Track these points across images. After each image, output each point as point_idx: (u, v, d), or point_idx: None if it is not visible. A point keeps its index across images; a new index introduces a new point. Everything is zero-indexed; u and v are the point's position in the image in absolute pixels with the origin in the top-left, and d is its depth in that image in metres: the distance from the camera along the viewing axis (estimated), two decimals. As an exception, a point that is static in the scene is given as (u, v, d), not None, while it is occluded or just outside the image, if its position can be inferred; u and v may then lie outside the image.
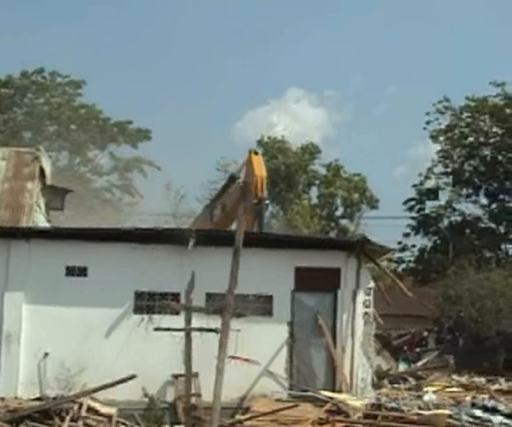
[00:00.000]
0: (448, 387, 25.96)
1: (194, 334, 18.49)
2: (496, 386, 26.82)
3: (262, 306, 22.54)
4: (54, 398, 19.89)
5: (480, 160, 50.22)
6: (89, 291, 21.98)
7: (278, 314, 22.60)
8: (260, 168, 26.61)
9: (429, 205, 50.96)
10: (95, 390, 19.79)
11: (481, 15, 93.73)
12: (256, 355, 21.72)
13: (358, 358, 22.71)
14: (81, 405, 19.19)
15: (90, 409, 19.30)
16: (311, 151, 54.67)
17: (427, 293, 41.56)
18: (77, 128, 63.47)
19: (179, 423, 20.22)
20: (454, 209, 50.81)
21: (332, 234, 51.84)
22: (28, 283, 21.77)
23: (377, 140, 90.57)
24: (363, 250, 23.13)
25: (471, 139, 50.36)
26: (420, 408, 20.00)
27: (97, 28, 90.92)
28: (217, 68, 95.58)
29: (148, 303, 22.15)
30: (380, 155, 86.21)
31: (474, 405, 20.87)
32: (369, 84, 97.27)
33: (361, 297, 22.96)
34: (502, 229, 49.40)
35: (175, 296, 21.63)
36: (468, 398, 22.53)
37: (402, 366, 33.69)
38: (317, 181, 54.62)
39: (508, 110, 48.82)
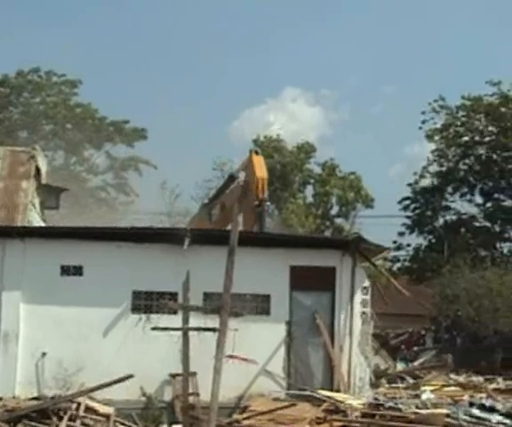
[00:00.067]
0: (446, 386, 25.99)
1: (191, 333, 18.45)
2: (494, 385, 26.88)
3: (260, 305, 22.52)
4: (52, 398, 19.83)
5: (475, 159, 50.34)
6: (84, 290, 21.92)
7: (276, 313, 22.58)
8: (261, 169, 26.58)
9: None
10: (93, 390, 19.74)
11: (477, 15, 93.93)
12: (254, 354, 21.71)
13: (356, 358, 22.71)
14: (79, 404, 19.13)
15: (88, 409, 19.25)
16: (307, 150, 54.72)
17: (422, 291, 41.61)
18: (73, 127, 63.46)
19: (176, 423, 20.17)
20: (449, 208, 50.91)
21: (327, 233, 51.88)
22: (23, 282, 21.72)
23: (373, 139, 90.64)
24: (358, 249, 23.12)
25: (466, 138, 50.46)
26: (417, 407, 20.03)
27: (93, 27, 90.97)
28: (213, 68, 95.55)
29: (145, 303, 22.13)
30: (376, 154, 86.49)
31: (471, 404, 20.89)
32: (365, 84, 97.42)
33: (358, 296, 22.95)
34: (497, 228, 49.53)
35: (173, 296, 21.59)
36: (466, 398, 22.59)
37: (400, 366, 33.72)
38: (312, 180, 54.64)
39: (503, 109, 48.87)
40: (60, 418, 18.59)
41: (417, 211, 51.11)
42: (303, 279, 22.81)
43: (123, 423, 19.80)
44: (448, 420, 18.56)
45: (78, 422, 18.72)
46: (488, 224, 49.74)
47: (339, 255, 23.03)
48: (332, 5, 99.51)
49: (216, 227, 29.08)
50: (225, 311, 16.52)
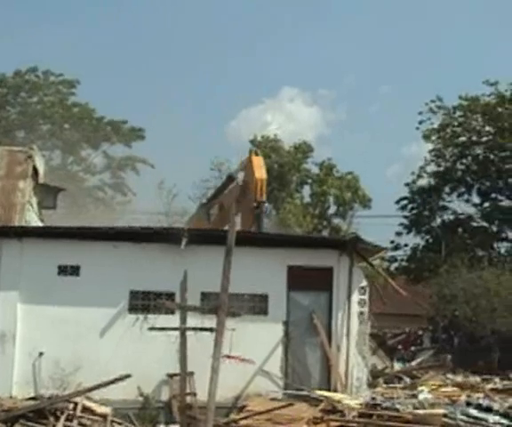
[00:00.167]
0: (443, 386, 25.98)
1: (189, 333, 18.50)
2: (491, 385, 26.86)
3: (257, 305, 22.53)
4: (49, 398, 19.78)
5: (472, 159, 50.29)
6: (82, 290, 21.92)
7: (273, 313, 22.59)
8: (261, 170, 26.53)
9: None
10: (90, 390, 19.70)
11: (474, 15, 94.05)
12: (251, 354, 21.72)
13: (353, 358, 22.71)
14: (76, 404, 19.09)
15: (85, 409, 19.22)
16: (304, 150, 54.72)
17: (420, 291, 41.65)
18: (70, 127, 63.50)
19: (174, 423, 20.19)
20: (446, 208, 50.92)
21: (325, 233, 51.88)
22: (20, 282, 21.71)
23: (370, 139, 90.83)
24: (355, 249, 23.13)
25: (463, 138, 50.41)
26: (415, 407, 20.02)
27: (91, 26, 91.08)
28: (211, 68, 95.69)
29: (142, 303, 22.12)
30: (374, 154, 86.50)
31: (469, 404, 20.86)
32: (363, 84, 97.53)
33: (356, 296, 22.95)
34: (494, 228, 49.48)
35: (170, 295, 21.60)
36: (463, 398, 22.56)
37: (397, 366, 33.72)
38: (310, 180, 54.65)
39: (500, 109, 48.87)
40: (57, 418, 18.56)
41: (414, 211, 51.07)
42: (301, 279, 22.82)
43: (120, 423, 19.78)
44: (445, 420, 18.57)
45: (75, 422, 18.70)
46: (485, 224, 49.69)
47: (336, 255, 23.04)
48: (329, 6, 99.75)
49: (214, 227, 29.08)
50: (222, 311, 16.52)
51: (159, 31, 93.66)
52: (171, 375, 21.18)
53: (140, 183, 64.17)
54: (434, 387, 25.29)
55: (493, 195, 49.91)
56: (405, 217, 51.07)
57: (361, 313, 22.99)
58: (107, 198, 65.86)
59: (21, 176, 28.60)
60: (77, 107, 64.07)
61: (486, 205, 50.05)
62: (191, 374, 20.24)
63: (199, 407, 19.33)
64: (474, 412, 19.57)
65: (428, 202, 50.66)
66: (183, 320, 18.46)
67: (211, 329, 17.02)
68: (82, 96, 64.42)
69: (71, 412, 18.89)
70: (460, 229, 49.84)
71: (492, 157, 49.53)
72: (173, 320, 19.52)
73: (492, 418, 19.08)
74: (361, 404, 20.33)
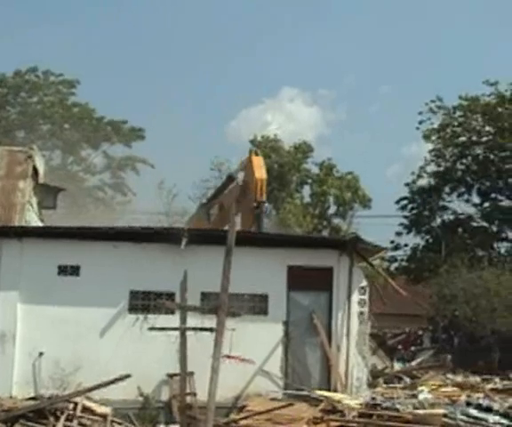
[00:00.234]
0: (443, 386, 25.97)
1: (189, 333, 18.49)
2: (491, 385, 26.85)
3: (257, 305, 22.52)
4: (49, 398, 19.77)
5: (472, 159, 50.29)
6: (82, 290, 21.92)
7: (273, 313, 22.58)
8: (261, 170, 26.50)
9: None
10: (90, 390, 19.69)
11: (474, 15, 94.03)
12: (251, 354, 21.71)
13: (353, 358, 22.71)
14: (76, 404, 19.09)
15: (85, 409, 19.21)
16: (304, 150, 54.71)
17: (420, 291, 41.64)
18: (70, 127, 63.51)
19: (174, 423, 20.18)
20: (446, 208, 50.92)
21: (325, 233, 51.88)
22: (21, 282, 21.71)
23: (370, 139, 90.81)
24: (355, 249, 23.13)
25: (463, 138, 50.40)
26: (415, 407, 20.02)
27: (91, 26, 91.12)
28: (211, 68, 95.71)
29: (142, 303, 22.11)
30: (374, 154, 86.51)
31: (469, 404, 20.85)
32: (363, 84, 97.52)
33: (356, 296, 22.95)
34: (494, 228, 49.47)
35: (170, 296, 21.60)
36: (463, 398, 22.55)
37: (397, 366, 33.72)
38: (310, 180, 54.65)
39: (500, 109, 48.86)
40: (57, 418, 18.55)
41: (414, 211, 51.06)
42: (301, 279, 22.82)
43: (120, 423, 19.77)
44: (445, 420, 18.57)
45: (75, 422, 18.69)
46: (485, 224, 49.69)
47: (336, 255, 23.04)
48: (328, 6, 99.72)
49: (214, 227, 29.07)
50: (222, 311, 16.51)
51: (159, 31, 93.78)
52: (171, 375, 21.18)
53: (140, 183, 64.28)
54: (434, 387, 25.29)
55: (493, 195, 49.90)
56: (405, 217, 51.07)
57: (361, 313, 22.99)
58: (107, 198, 65.87)
59: (21, 176, 28.61)
60: (77, 107, 64.09)
61: (486, 205, 50.05)
62: (191, 374, 20.23)
63: (199, 407, 19.33)
64: (474, 412, 19.56)
65: (428, 202, 50.66)
66: (183, 320, 18.46)
67: (211, 329, 17.01)
68: (82, 96, 64.56)
69: (71, 412, 18.89)
70: (460, 229, 49.84)
71: (492, 157, 49.53)
72: (173, 320, 19.52)
73: (491, 418, 19.07)
74: (361, 404, 20.33)
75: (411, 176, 51.45)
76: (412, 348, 39.34)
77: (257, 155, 27.76)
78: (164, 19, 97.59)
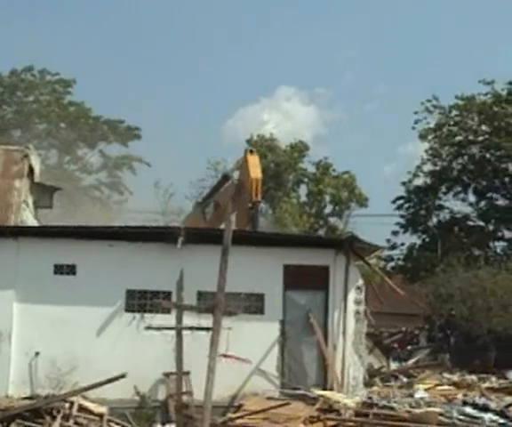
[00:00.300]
0: (439, 385, 26.00)
1: (185, 332, 18.43)
2: (487, 384, 26.88)
3: (254, 304, 22.54)
4: (45, 397, 19.78)
5: (469, 158, 50.29)
6: (78, 289, 21.93)
7: (270, 312, 22.60)
8: (256, 170, 26.47)
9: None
10: (86, 389, 19.69)
11: (472, 15, 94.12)
12: (247, 353, 21.66)
13: (350, 357, 22.73)
14: (72, 404, 19.09)
15: (81, 408, 19.21)
16: (300, 149, 54.74)
17: (416, 290, 41.63)
18: (67, 126, 63.46)
19: (170, 422, 20.18)
20: (443, 207, 50.96)
21: (321, 232, 51.89)
22: (17, 281, 21.71)
23: (367, 138, 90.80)
24: (351, 248, 23.15)
25: (460, 137, 50.42)
26: (411, 406, 20.04)
27: (88, 26, 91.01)
28: (207, 67, 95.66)
29: (139, 302, 22.11)
30: (371, 153, 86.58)
31: (465, 403, 20.91)
32: (359, 83, 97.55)
33: (352, 295, 22.96)
34: (491, 227, 49.48)
35: (166, 295, 21.59)
36: (460, 396, 22.60)
37: (393, 365, 33.73)
38: (306, 179, 54.67)
39: (496, 109, 48.90)
40: (54, 418, 18.55)
41: (411, 210, 51.07)
42: (297, 278, 22.83)
43: (116, 423, 19.78)
44: (441, 419, 18.59)
45: (71, 421, 18.69)
46: (482, 223, 49.71)
47: (332, 254, 23.06)
48: (325, 5, 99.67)
49: (210, 225, 29.06)
50: (219, 310, 16.50)
51: (156, 30, 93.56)
52: (167, 374, 21.18)
53: (136, 182, 64.28)
54: (430, 386, 25.32)
55: (489, 194, 49.92)
56: (402, 216, 51.10)
57: (357, 312, 23.00)
58: (103, 198, 65.86)
59: (17, 175, 28.62)
60: (73, 106, 64.08)
61: (482, 204, 50.08)
62: (187, 373, 20.21)
63: (196, 407, 19.34)
64: (470, 411, 19.60)
65: (424, 201, 50.69)
66: (179, 319, 18.40)
67: (207, 328, 17.00)
68: (78, 95, 64.51)
69: (67, 411, 18.88)
70: (456, 229, 49.86)
71: (488, 156, 49.54)
72: (170, 319, 19.47)
73: (487, 417, 19.10)
74: (357, 403, 20.36)
75: (407, 175, 51.54)
76: (409, 347, 39.33)
77: (252, 153, 27.72)
78: (160, 18, 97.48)
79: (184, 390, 19.75)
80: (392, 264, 50.97)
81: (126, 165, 65.88)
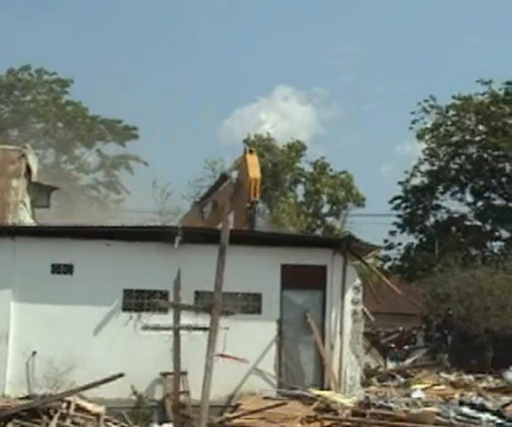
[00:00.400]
0: (436, 385, 26.00)
1: (182, 332, 18.46)
2: (484, 384, 26.91)
3: (251, 304, 22.52)
4: (42, 397, 19.74)
5: (466, 158, 50.34)
6: (75, 289, 21.89)
7: (267, 312, 22.59)
8: (255, 170, 26.45)
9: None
10: (83, 389, 19.65)
11: (470, 15, 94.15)
12: (245, 353, 21.69)
13: (347, 356, 22.73)
14: (69, 403, 19.05)
15: (78, 408, 19.17)
16: (297, 149, 54.74)
17: (413, 290, 41.67)
18: (64, 126, 63.38)
19: (167, 422, 20.17)
20: (440, 207, 50.99)
21: (319, 232, 51.90)
22: (14, 281, 21.67)
23: (364, 138, 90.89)
24: (349, 248, 23.16)
25: (457, 137, 50.46)
26: (408, 406, 20.05)
27: (85, 25, 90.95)
28: (205, 66, 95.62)
29: (136, 301, 22.09)
30: (368, 152, 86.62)
31: (462, 402, 20.92)
32: (357, 82, 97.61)
33: (349, 295, 22.97)
34: (488, 227, 49.53)
35: (164, 294, 21.59)
36: (457, 396, 22.61)
37: (390, 364, 33.75)
38: (304, 179, 54.67)
39: (493, 109, 48.93)
40: (51, 417, 18.50)
41: (408, 210, 51.12)
42: (294, 278, 22.82)
43: (113, 422, 19.75)
44: (438, 418, 18.59)
45: (68, 421, 18.65)
46: (479, 223, 49.78)
47: (330, 254, 23.07)
48: (322, 4, 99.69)
49: (208, 225, 29.04)
50: (216, 310, 16.48)
51: (153, 30, 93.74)
52: (164, 374, 21.17)
53: (133, 182, 64.21)
54: (427, 386, 25.32)
55: (487, 194, 49.97)
56: (399, 216, 51.14)
57: (354, 312, 23.01)
58: (100, 197, 65.78)
59: (14, 175, 28.56)
60: (71, 105, 64.00)
61: (480, 204, 50.13)
62: (185, 372, 20.21)
63: (193, 406, 19.29)
64: (467, 410, 19.61)
65: (421, 201, 50.73)
66: (177, 319, 18.41)
67: (204, 328, 17.00)
68: (75, 95, 64.47)
69: (64, 411, 18.83)
70: (453, 228, 49.91)
71: (485, 156, 49.59)
72: (167, 319, 19.51)
73: (484, 417, 19.11)
74: (354, 402, 20.36)
75: (404, 175, 51.56)
76: (406, 347, 39.35)
77: (251, 153, 27.72)
78: (158, 18, 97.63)
79: (181, 389, 19.76)
80: (389, 264, 51.01)
81: (123, 164, 65.84)
